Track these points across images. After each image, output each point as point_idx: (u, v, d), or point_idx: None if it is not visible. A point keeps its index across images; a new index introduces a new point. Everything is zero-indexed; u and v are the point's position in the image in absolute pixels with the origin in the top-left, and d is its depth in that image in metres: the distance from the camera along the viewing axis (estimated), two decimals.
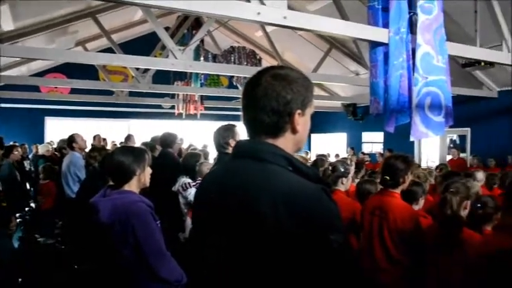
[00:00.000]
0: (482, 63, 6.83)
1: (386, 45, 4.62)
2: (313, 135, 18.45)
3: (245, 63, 11.00)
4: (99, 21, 9.84)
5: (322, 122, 17.40)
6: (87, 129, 11.99)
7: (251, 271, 1.25)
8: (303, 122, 1.39)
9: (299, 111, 1.37)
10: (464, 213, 2.90)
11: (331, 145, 16.89)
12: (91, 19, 9.70)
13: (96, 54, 9.01)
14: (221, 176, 1.47)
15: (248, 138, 1.43)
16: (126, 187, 2.58)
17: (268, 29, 10.77)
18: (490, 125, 11.75)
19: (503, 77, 10.98)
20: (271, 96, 1.33)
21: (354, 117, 15.09)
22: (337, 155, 13.14)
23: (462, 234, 2.75)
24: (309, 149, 17.15)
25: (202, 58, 11.01)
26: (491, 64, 6.92)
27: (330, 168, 3.83)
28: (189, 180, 4.55)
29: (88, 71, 11.63)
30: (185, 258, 2.47)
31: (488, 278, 2.09)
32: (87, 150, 6.05)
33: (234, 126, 3.56)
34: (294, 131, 1.38)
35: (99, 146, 5.91)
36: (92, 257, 3.03)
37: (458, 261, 2.68)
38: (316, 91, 14.79)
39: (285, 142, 1.38)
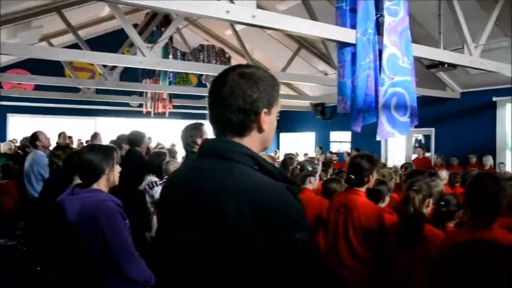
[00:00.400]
0: (446, 65, 7.02)
1: (353, 45, 4.70)
2: (282, 135, 18.57)
3: (214, 61, 10.97)
4: (64, 16, 9.59)
5: (290, 122, 17.51)
6: (52, 127, 11.69)
7: (217, 270, 1.24)
8: (269, 120, 1.39)
9: (265, 110, 1.37)
10: (426, 210, 2.98)
11: (299, 144, 17.02)
12: (56, 14, 9.45)
13: (63, 51, 8.78)
14: (187, 175, 1.45)
15: (214, 136, 1.42)
16: (95, 186, 2.54)
17: (238, 27, 10.76)
18: (453, 125, 12.10)
19: (465, 79, 11.34)
20: (238, 95, 1.33)
21: (323, 117, 15.24)
22: (305, 154, 13.26)
23: (424, 231, 2.82)
24: (278, 148, 17.26)
25: (171, 56, 10.92)
26: (454, 66, 7.11)
27: (298, 167, 3.85)
28: (156, 179, 4.51)
29: (53, 67, 11.32)
30: (152, 257, 2.45)
31: (449, 273, 2.15)
32: (51, 148, 5.91)
33: (201, 124, 3.55)
34: (260, 129, 1.38)
35: (63, 144, 5.76)
36: (55, 259, 2.96)
37: (420, 257, 2.75)
38: (285, 90, 14.88)
39: (251, 141, 1.37)
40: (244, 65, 1.48)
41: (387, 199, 3.59)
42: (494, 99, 11.32)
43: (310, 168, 3.79)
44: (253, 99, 1.34)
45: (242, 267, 1.20)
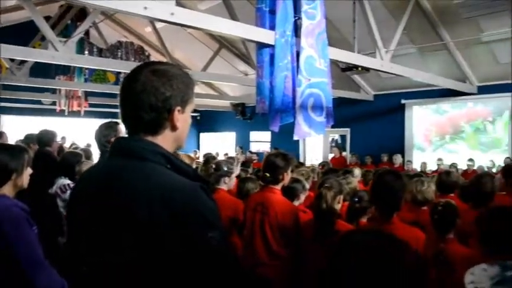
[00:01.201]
0: (359, 68, 7.34)
1: (272, 47, 4.78)
2: (202, 134, 18.50)
3: (133, 59, 10.66)
4: None
5: (211, 121, 17.50)
6: None
7: (132, 271, 1.21)
8: (182, 119, 1.37)
9: (179, 108, 1.34)
10: (338, 206, 3.10)
11: (220, 144, 17.03)
12: None
13: None
14: (98, 174, 1.40)
15: (126, 135, 1.38)
16: None
17: (158, 25, 10.57)
18: (366, 126, 12.74)
19: (378, 82, 11.98)
20: (150, 92, 1.29)
21: (243, 117, 15.35)
22: (225, 154, 13.29)
23: (336, 226, 2.94)
24: (198, 148, 17.15)
25: (86, 52, 10.48)
26: (367, 69, 7.47)
27: (213, 166, 3.83)
28: (68, 182, 4.27)
29: None
30: (65, 263, 2.30)
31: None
32: None
33: (116, 123, 3.41)
34: (174, 128, 1.35)
35: None
36: None
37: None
38: (206, 90, 14.83)
39: (164, 140, 1.35)
40: (158, 62, 1.44)
41: (302, 197, 3.68)
42: (403, 101, 12.09)
43: (226, 169, 3.78)
44: (166, 96, 1.31)
45: (157, 267, 1.18)
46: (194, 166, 4.29)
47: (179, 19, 4.28)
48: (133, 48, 11.02)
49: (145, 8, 3.93)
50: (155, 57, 12.44)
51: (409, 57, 9.68)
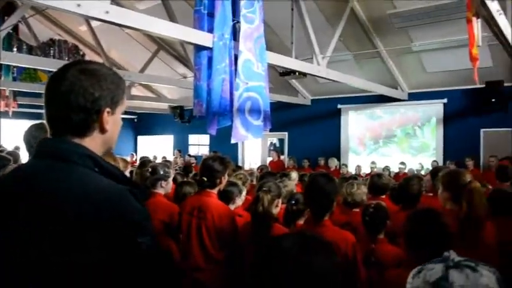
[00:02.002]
0: (297, 73, 7.48)
1: (210, 49, 4.76)
2: (139, 137, 18.12)
3: (66, 58, 10.29)
4: None
5: (149, 124, 17.19)
6: None
7: (59, 277, 1.14)
8: (112, 121, 1.31)
9: (108, 109, 1.29)
10: (276, 210, 3.12)
11: (158, 147, 16.73)
12: None
13: None
14: (21, 177, 1.32)
15: (52, 136, 1.31)
16: None
17: (94, 23, 10.20)
18: (304, 130, 13.00)
19: (315, 87, 12.26)
20: (78, 92, 1.23)
21: (181, 120, 15.20)
22: (163, 157, 13.08)
23: (273, 230, 2.95)
24: (135, 152, 16.79)
25: (15, 49, 9.95)
26: (304, 74, 7.62)
27: (150, 170, 3.73)
28: None
29: None
30: None
31: None
32: None
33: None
34: (103, 130, 1.30)
35: None
36: None
37: None
38: (143, 92, 14.55)
39: (92, 142, 1.29)
40: (87, 60, 1.39)
41: (238, 201, 3.68)
42: (339, 106, 12.46)
43: (162, 172, 3.70)
44: (95, 97, 1.25)
45: (84, 272, 1.12)
46: (130, 170, 4.16)
47: (114, 18, 4.16)
48: (67, 46, 10.63)
49: (79, 5, 3.79)
50: (90, 56, 12.03)
51: (345, 64, 9.99)
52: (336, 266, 1.13)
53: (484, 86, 9.36)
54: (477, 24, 4.90)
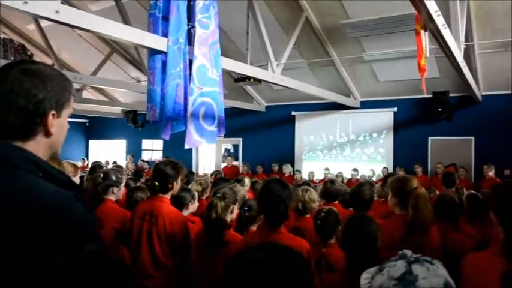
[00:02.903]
0: (252, 80, 7.51)
1: (165, 53, 4.70)
2: (91, 142, 17.66)
3: (12, 57, 9.86)
4: None
5: (101, 128, 16.79)
6: None
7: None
8: (58, 124, 1.27)
9: (53, 112, 1.24)
10: (231, 216, 3.10)
11: (110, 152, 16.35)
12: None
13: None
14: None
15: None
16: None
17: (43, 23, 9.86)
18: (259, 136, 13.08)
19: (270, 94, 12.36)
20: (19, 94, 1.18)
21: (134, 124, 14.92)
22: (114, 162, 12.80)
23: (226, 236, 2.94)
24: (87, 156, 16.34)
25: None
26: (259, 81, 7.66)
27: (101, 175, 3.62)
28: None
29: None
30: None
31: None
32: None
33: None
34: (48, 134, 1.25)
35: None
36: None
37: (224, 262, 2.84)
38: (96, 96, 14.21)
39: (36, 146, 1.24)
40: (30, 60, 1.33)
41: (191, 207, 3.64)
42: (293, 113, 12.60)
43: (114, 178, 3.60)
44: (38, 99, 1.20)
45: (31, 285, 1.07)
46: (79, 175, 4.03)
47: (65, 18, 4.02)
48: (13, 46, 10.19)
49: (26, 2, 3.63)
50: (39, 57, 11.64)
51: (299, 71, 10.14)
52: (308, 275, 1.14)
53: (431, 96, 9.73)
54: (425, 37, 5.11)
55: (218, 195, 3.06)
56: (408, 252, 1.23)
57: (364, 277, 1.26)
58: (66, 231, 1.11)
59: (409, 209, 2.70)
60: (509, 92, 9.63)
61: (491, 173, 9.13)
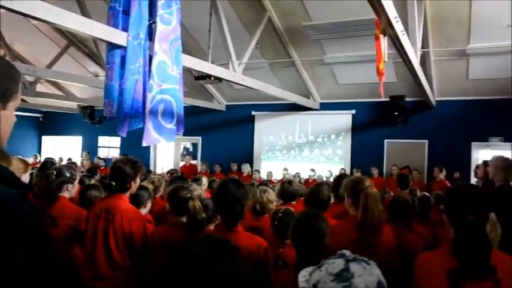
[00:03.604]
0: (212, 78, 7.47)
1: (124, 48, 4.59)
2: (44, 138, 17.10)
3: None
4: None
5: (55, 124, 16.30)
6: None
7: None
8: (4, 117, 1.20)
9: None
10: None
11: (65, 148, 15.87)
12: None
13: None
14: None
15: None
16: None
17: None
18: (218, 135, 13.02)
19: (231, 93, 12.34)
20: None
21: (91, 120, 14.56)
22: (69, 159, 12.45)
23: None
24: (39, 153, 15.81)
25: None
26: (220, 80, 7.63)
27: (55, 172, 3.49)
28: None
29: None
30: None
31: None
32: None
33: None
34: None
35: None
36: None
37: None
38: (51, 89, 13.78)
39: None
40: None
41: (149, 205, 3.57)
42: (253, 113, 12.63)
43: (68, 174, 3.49)
44: None
45: None
46: (29, 172, 3.87)
47: (19, 7, 3.86)
48: None
49: None
50: None
51: (260, 71, 10.16)
52: (245, 270, 1.14)
53: (388, 99, 9.98)
54: (384, 42, 5.22)
55: (188, 195, 3.02)
56: (347, 252, 1.29)
57: (302, 275, 1.31)
58: (10, 232, 1.05)
59: (359, 209, 2.74)
60: (462, 98, 10.02)
61: (442, 176, 9.47)
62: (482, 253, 1.89)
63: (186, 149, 14.14)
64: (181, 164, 13.25)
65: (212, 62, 7.31)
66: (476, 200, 2.04)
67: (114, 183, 3.03)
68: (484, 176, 4.94)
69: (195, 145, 13.86)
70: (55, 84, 13.74)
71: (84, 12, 7.26)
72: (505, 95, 9.51)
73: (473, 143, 10.17)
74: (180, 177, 5.26)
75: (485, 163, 5.01)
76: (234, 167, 12.02)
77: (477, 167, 5.20)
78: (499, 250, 2.09)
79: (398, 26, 4.63)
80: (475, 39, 7.90)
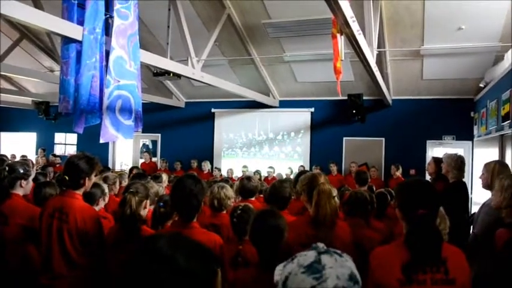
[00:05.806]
0: (171, 74, 7.40)
1: (80, 42, 4.49)
2: None
3: None
4: None
5: (8, 120, 15.69)
6: None
7: None
8: None
9: None
10: (144, 212, 3.04)
11: (18, 145, 15.32)
12: None
13: None
14: None
15: None
16: None
17: None
18: (178, 132, 12.94)
19: (190, 90, 12.27)
20: None
21: (46, 117, 14.12)
22: (22, 156, 12.03)
23: (141, 232, 2.88)
24: None
25: None
26: (178, 76, 7.57)
27: (7, 168, 3.36)
28: None
29: None
30: None
31: None
32: None
33: None
34: None
35: None
36: None
37: None
38: (2, 84, 13.29)
39: None
40: None
41: (101, 203, 3.51)
42: (213, 110, 12.61)
43: (22, 170, 3.37)
44: None
45: None
46: None
47: None
48: None
49: None
50: None
51: (220, 68, 10.15)
52: (206, 266, 1.14)
53: (346, 98, 10.18)
54: (341, 40, 5.32)
55: (131, 190, 2.98)
56: (320, 245, 1.29)
57: (278, 269, 1.31)
58: None
59: (312, 205, 2.80)
60: (417, 97, 10.34)
61: (398, 173, 9.76)
62: (433, 246, 1.97)
63: (145, 146, 13.95)
64: (141, 161, 13.06)
65: (171, 59, 7.24)
66: (427, 195, 2.11)
67: (67, 178, 2.95)
68: (435, 171, 5.12)
69: (154, 142, 13.69)
70: (7, 78, 13.24)
71: (37, 4, 7.03)
72: (457, 95, 9.91)
73: (428, 141, 10.52)
74: (140, 174, 5.19)
75: (435, 159, 5.20)
76: (195, 164, 11.95)
77: (428, 163, 5.38)
78: (448, 242, 2.19)
79: (355, 26, 4.73)
80: (429, 41, 8.16)
